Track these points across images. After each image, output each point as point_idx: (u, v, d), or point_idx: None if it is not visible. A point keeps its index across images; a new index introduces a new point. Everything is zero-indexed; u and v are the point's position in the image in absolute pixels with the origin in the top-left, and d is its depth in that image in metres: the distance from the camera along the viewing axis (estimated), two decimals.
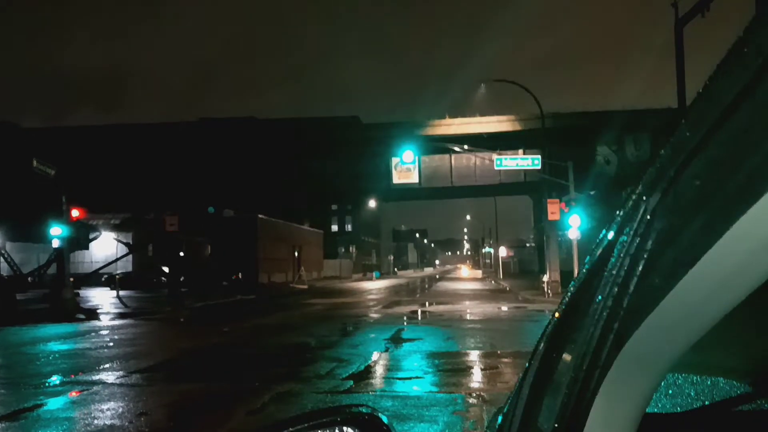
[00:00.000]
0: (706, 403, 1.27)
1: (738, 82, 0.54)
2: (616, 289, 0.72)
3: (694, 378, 1.29)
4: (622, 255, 0.72)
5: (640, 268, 0.68)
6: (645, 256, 0.68)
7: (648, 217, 0.68)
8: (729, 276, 0.57)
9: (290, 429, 1.17)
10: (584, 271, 0.88)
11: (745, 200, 0.53)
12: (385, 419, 1.23)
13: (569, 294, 0.95)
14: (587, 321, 0.79)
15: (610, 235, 0.80)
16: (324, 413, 1.27)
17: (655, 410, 1.25)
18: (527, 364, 1.08)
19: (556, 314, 0.98)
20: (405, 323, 19.18)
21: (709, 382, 1.29)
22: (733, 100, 0.54)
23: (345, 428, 1.19)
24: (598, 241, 0.84)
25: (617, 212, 0.79)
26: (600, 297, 0.76)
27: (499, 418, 1.26)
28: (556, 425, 0.83)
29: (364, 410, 1.27)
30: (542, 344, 1.01)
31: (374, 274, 72.89)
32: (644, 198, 0.70)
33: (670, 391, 1.28)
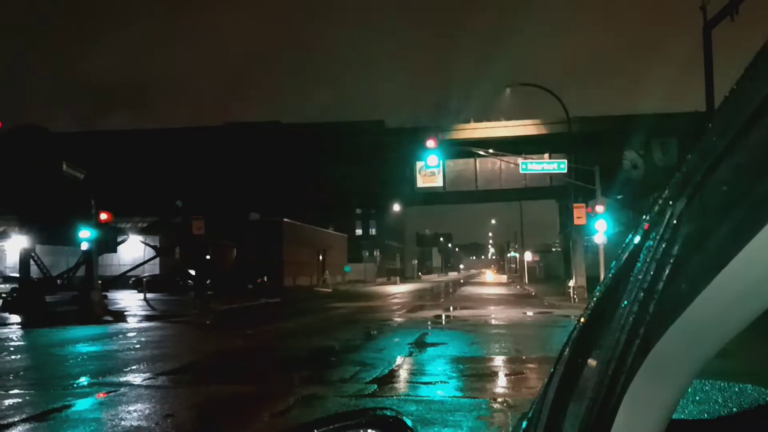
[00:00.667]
0: (734, 410, 1.25)
1: (765, 86, 0.54)
2: (642, 295, 0.72)
3: (722, 384, 1.28)
4: (648, 260, 0.72)
5: (667, 273, 0.68)
6: (671, 261, 0.67)
7: (674, 222, 0.68)
8: (756, 281, 0.57)
9: (315, 431, 1.18)
10: (610, 276, 0.88)
11: None
12: (409, 423, 1.24)
13: (595, 299, 0.95)
14: (613, 326, 0.78)
15: (636, 240, 0.79)
16: (348, 416, 1.27)
17: (682, 417, 1.24)
18: (552, 370, 1.08)
19: (582, 319, 0.98)
20: (429, 327, 19.14)
21: (736, 389, 1.28)
22: (760, 104, 0.54)
23: (370, 431, 1.19)
24: (624, 246, 0.84)
25: (643, 217, 0.78)
26: (626, 302, 0.76)
27: (524, 424, 1.26)
28: (581, 431, 0.83)
29: (388, 413, 1.28)
30: (567, 349, 1.01)
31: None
32: (671, 203, 0.69)
33: (697, 398, 1.27)
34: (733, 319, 0.61)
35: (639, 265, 0.75)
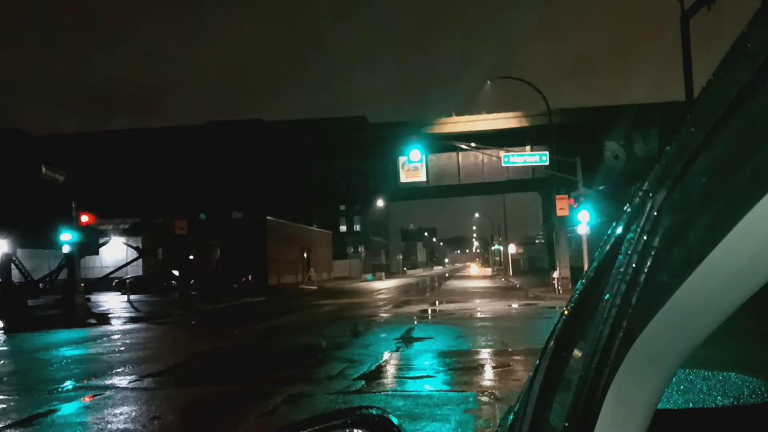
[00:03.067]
0: (719, 398, 1.26)
1: (742, 77, 0.54)
2: (624, 287, 0.72)
3: (706, 373, 1.29)
4: (629, 253, 0.72)
5: (648, 265, 0.68)
6: (653, 253, 0.67)
7: (655, 214, 0.68)
8: (737, 272, 0.57)
9: None
10: (592, 268, 0.88)
11: (751, 196, 0.52)
12: (395, 420, 1.23)
13: (578, 292, 0.95)
14: (596, 319, 0.79)
15: (618, 232, 0.79)
16: (334, 415, 1.27)
17: (668, 406, 1.25)
18: (537, 362, 1.08)
19: (565, 312, 0.98)
20: (415, 322, 19.17)
21: (720, 377, 1.29)
22: (737, 96, 0.54)
23: (355, 430, 1.19)
24: (605, 238, 0.84)
25: (624, 209, 0.79)
26: (608, 295, 0.76)
27: (511, 417, 1.26)
28: (567, 423, 0.83)
29: (374, 412, 1.28)
30: (552, 342, 1.01)
31: (368, 277, 72.03)
32: (651, 195, 0.70)
33: (682, 387, 1.28)
34: (714, 309, 0.62)
35: (621, 257, 0.75)
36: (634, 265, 0.70)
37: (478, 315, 20.96)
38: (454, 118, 47.59)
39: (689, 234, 0.61)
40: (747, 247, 0.55)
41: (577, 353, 0.90)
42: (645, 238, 0.69)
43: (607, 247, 0.82)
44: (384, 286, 51.61)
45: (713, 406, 1.25)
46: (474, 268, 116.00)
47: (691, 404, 1.26)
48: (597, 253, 0.88)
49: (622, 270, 0.73)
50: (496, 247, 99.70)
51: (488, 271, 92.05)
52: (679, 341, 0.67)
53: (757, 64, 0.52)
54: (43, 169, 27.64)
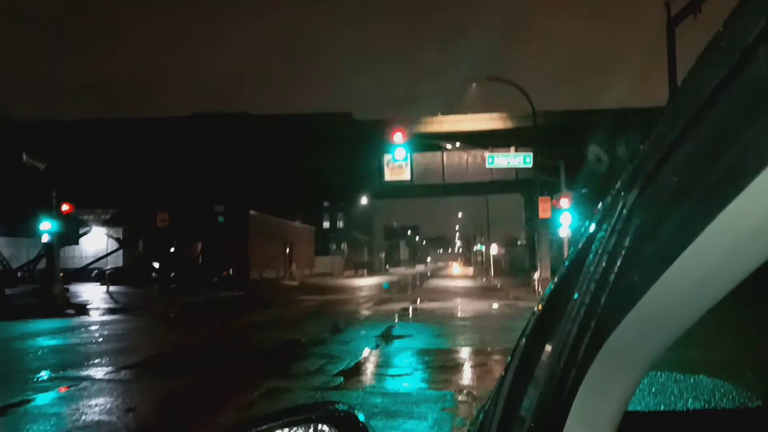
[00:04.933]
0: (690, 401, 1.27)
1: (715, 76, 0.53)
2: (594, 287, 0.71)
3: (678, 376, 1.29)
4: (600, 252, 0.72)
5: (619, 265, 0.67)
6: (623, 252, 0.67)
7: (626, 213, 0.67)
8: (709, 273, 0.57)
9: (264, 426, 1.17)
10: (564, 267, 0.88)
11: (723, 196, 0.52)
12: (362, 417, 1.22)
13: (549, 291, 0.94)
14: (565, 319, 0.78)
15: (590, 231, 0.79)
16: (299, 410, 1.26)
17: (639, 408, 1.25)
18: (508, 360, 1.07)
19: (536, 310, 0.98)
20: (396, 320, 19.18)
21: (692, 380, 1.29)
22: (710, 94, 0.54)
23: (320, 425, 1.18)
24: (578, 237, 0.84)
25: (597, 208, 0.78)
26: (577, 295, 0.76)
27: (481, 416, 1.26)
28: (536, 422, 0.82)
29: (340, 408, 1.27)
30: (523, 341, 1.01)
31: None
32: (623, 194, 0.69)
33: (654, 389, 1.28)
34: (686, 310, 0.61)
35: (591, 256, 0.74)
36: (604, 265, 0.70)
37: (459, 314, 21.02)
38: (440, 117, 47.69)
39: (661, 234, 0.61)
40: (719, 247, 0.54)
41: (547, 352, 0.89)
42: (616, 237, 0.68)
43: (579, 247, 0.82)
44: (366, 283, 51.58)
45: (684, 409, 1.26)
46: (456, 268, 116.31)
47: (662, 407, 1.27)
48: (570, 251, 0.87)
49: (592, 269, 0.73)
50: (479, 247, 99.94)
51: (470, 271, 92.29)
52: (650, 342, 0.67)
53: (729, 62, 0.52)
54: (24, 156, 27.34)
